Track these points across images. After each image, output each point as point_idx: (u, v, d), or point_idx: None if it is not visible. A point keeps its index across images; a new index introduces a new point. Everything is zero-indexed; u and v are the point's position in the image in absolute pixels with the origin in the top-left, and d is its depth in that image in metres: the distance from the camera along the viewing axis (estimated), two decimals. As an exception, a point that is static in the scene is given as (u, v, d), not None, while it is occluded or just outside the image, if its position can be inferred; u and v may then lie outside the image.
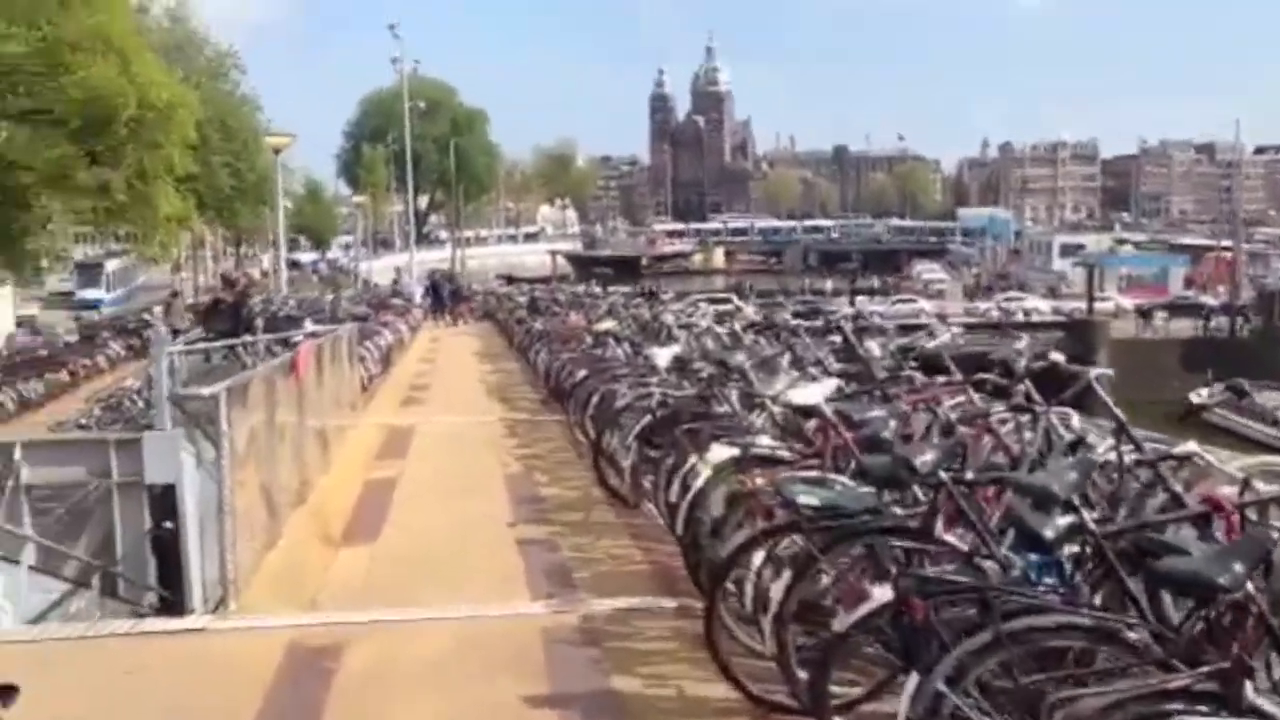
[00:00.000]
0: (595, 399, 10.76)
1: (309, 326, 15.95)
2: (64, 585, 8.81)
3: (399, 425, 14.26)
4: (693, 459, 6.64)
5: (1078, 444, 5.47)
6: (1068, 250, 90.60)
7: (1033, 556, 3.87)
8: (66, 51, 33.31)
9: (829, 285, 74.83)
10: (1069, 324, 48.84)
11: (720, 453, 6.18)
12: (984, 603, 3.55)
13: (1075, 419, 6.12)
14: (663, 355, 9.83)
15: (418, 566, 7.62)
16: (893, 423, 5.45)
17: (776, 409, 7.22)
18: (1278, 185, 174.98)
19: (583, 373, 12.13)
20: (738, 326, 12.20)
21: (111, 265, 67.86)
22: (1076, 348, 23.34)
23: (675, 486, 6.70)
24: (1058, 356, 6.90)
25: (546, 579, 7.20)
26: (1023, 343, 7.34)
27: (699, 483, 6.05)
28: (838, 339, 9.56)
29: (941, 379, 7.47)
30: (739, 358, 7.59)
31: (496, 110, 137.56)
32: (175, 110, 35.30)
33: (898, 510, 4.66)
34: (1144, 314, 54.82)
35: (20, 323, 49.09)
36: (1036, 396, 6.19)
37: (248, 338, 15.46)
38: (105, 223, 38.21)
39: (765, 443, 6.33)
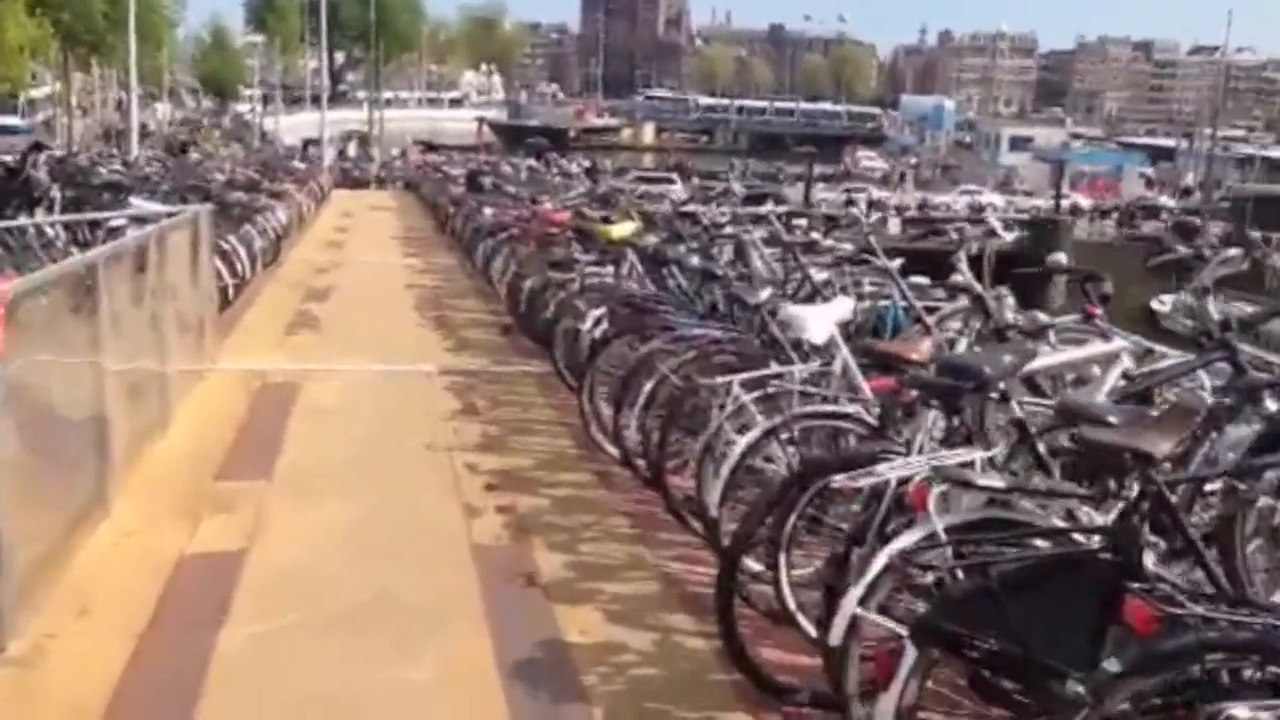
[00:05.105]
0: (654, 394, 5.48)
1: (140, 205, 10.23)
2: None
3: (272, 382, 8.50)
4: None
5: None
6: (1018, 143, 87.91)
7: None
8: None
9: (788, 168, 68.58)
10: (1032, 222, 45.31)
11: None
12: None
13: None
14: (819, 326, 4.56)
15: None
16: None
17: None
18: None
19: (602, 323, 6.69)
20: (994, 304, 5.61)
21: (22, 96, 62.34)
22: (1040, 249, 19.00)
23: None
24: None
25: None
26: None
27: None
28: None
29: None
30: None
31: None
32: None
33: None
34: (1103, 214, 52.24)
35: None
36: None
37: (40, 219, 9.78)
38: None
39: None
